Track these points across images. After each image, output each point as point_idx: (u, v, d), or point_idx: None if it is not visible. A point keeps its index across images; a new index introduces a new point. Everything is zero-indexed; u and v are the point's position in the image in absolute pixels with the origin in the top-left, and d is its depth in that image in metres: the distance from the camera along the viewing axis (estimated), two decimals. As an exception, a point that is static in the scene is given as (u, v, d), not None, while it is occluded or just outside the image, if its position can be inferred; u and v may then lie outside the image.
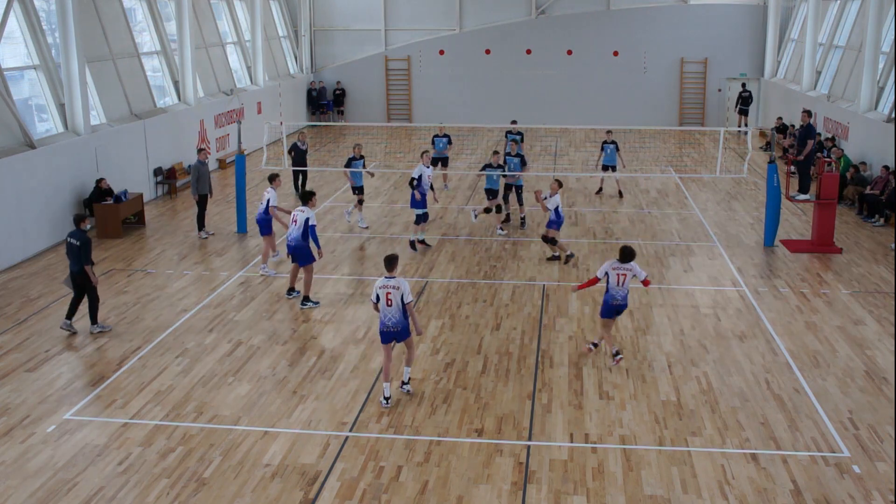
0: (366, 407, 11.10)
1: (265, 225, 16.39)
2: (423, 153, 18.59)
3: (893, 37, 23.30)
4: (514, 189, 19.91)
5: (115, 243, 18.75)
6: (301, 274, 14.99)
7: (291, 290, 15.24)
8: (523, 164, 19.92)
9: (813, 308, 14.68)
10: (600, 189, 23.72)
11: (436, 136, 23.86)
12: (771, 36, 34.84)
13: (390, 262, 11.15)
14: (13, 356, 12.76)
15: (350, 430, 10.50)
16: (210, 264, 17.19)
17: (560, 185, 17.21)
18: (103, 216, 19.14)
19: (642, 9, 35.47)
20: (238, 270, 16.76)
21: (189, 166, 19.66)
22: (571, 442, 10.21)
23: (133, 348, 13.03)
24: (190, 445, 10.14)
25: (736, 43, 35.52)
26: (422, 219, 18.04)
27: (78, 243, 13.17)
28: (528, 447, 10.09)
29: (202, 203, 19.27)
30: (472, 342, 13.24)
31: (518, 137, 24.46)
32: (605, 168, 23.15)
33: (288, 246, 14.77)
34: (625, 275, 12.03)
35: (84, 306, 13.68)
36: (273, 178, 16.80)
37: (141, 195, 20.52)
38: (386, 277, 11.02)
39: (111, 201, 19.28)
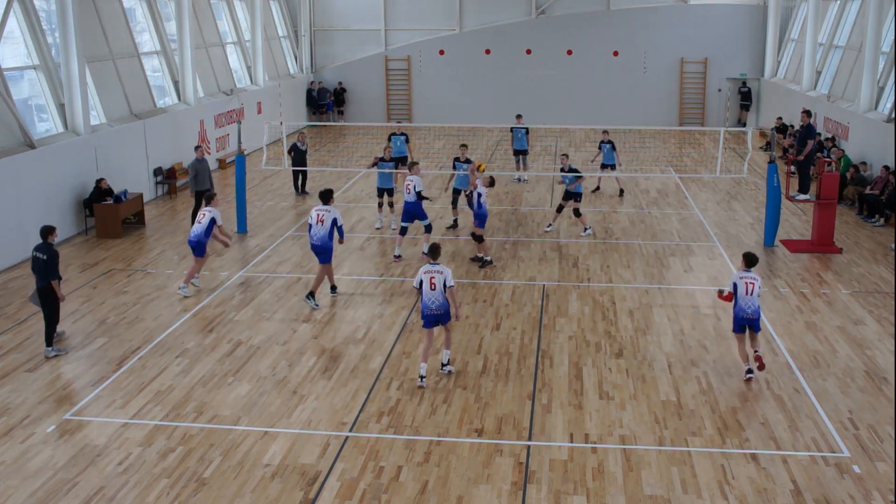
0: (366, 407, 11.10)
1: (201, 246, 15.38)
2: (412, 164, 17.68)
3: (893, 37, 23.30)
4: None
5: (115, 243, 18.76)
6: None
7: (334, 287, 15.42)
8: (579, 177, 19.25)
9: (813, 308, 14.68)
10: (597, 188, 23.75)
11: (393, 134, 23.01)
12: (771, 36, 34.85)
13: (434, 250, 11.89)
14: (13, 356, 12.76)
15: (350, 430, 10.50)
16: (210, 264, 17.18)
17: (491, 183, 16.95)
18: (103, 216, 19.14)
19: (642, 9, 35.47)
20: (238, 270, 16.76)
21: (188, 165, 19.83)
22: (571, 442, 10.21)
23: (133, 348, 13.03)
24: (190, 445, 10.14)
25: (736, 43, 35.52)
26: (429, 228, 17.50)
27: (45, 257, 12.50)
28: (528, 447, 10.09)
29: (199, 199, 19.29)
30: (472, 342, 13.24)
31: (524, 131, 24.40)
32: (603, 167, 23.22)
33: (313, 246, 14.81)
34: (753, 283, 11.72)
35: (64, 316, 13.39)
36: (211, 199, 16.00)
37: (141, 195, 20.52)
38: (430, 264, 11.71)
39: (111, 201, 19.29)
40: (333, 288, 15.42)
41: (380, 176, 19.63)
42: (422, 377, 11.64)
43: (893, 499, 9.07)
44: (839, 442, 10.19)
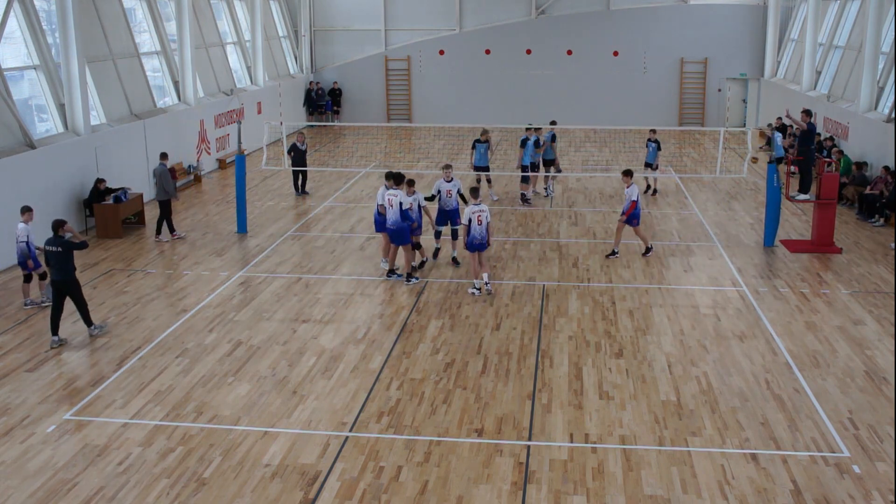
0: (366, 407, 11.11)
1: (402, 232, 15.58)
2: (444, 167, 17.32)
3: (893, 37, 23.30)
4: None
5: (115, 243, 18.76)
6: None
7: (391, 271, 16.21)
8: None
9: (813, 308, 14.68)
10: (648, 188, 23.58)
11: (477, 141, 22.12)
12: (771, 36, 34.86)
13: (475, 192, 15.21)
14: (13, 356, 12.76)
15: (350, 430, 10.50)
16: (210, 264, 17.19)
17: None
18: (103, 216, 19.14)
19: (642, 9, 35.47)
20: (238, 270, 16.76)
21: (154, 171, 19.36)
22: (571, 442, 10.21)
23: (133, 348, 13.03)
24: (190, 445, 10.14)
25: (736, 43, 35.52)
26: (437, 235, 17.28)
27: (60, 249, 12.74)
28: (528, 447, 10.09)
29: (165, 207, 18.85)
30: (472, 342, 13.24)
31: (550, 137, 23.15)
32: (646, 166, 23.55)
33: (388, 230, 15.78)
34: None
35: (67, 314, 13.46)
36: (401, 180, 15.74)
37: (141, 195, 20.53)
38: (474, 204, 15.05)
39: (111, 201, 19.28)
40: (391, 272, 16.19)
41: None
42: (478, 289, 15.17)
43: (893, 499, 9.07)
44: (839, 442, 10.19)
